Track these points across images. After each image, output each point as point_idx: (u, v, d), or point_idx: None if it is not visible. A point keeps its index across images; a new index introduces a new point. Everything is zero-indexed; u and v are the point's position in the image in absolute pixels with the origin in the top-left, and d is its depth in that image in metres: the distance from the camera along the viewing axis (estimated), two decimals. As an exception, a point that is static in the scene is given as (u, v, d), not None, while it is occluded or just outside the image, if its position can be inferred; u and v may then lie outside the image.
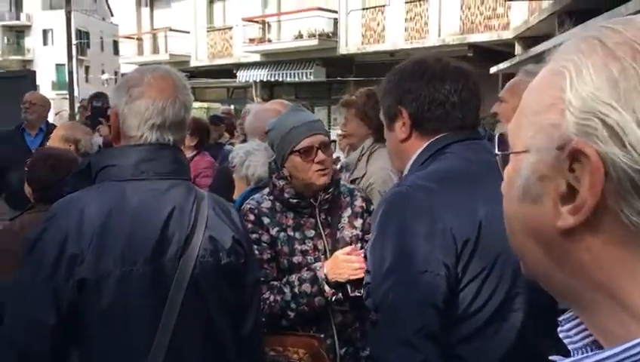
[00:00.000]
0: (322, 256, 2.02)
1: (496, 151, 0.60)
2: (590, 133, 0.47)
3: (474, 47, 15.66)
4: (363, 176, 3.08)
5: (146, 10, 24.83)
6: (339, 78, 18.67)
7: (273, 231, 2.01)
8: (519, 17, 14.01)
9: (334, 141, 2.20)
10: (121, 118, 1.48)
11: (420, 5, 17.22)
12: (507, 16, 15.08)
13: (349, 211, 2.11)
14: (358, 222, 2.11)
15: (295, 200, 2.03)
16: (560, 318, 0.58)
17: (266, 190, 2.11)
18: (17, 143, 4.70)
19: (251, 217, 2.01)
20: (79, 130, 3.50)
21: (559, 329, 0.58)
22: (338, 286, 1.93)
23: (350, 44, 18.71)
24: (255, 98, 19.97)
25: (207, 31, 22.64)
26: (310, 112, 2.18)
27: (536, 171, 0.52)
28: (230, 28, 21.87)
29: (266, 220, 2.02)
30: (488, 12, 15.68)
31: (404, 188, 1.38)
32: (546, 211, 0.52)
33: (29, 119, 4.97)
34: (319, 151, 1.99)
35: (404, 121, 1.47)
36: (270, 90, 21.48)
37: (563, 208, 0.50)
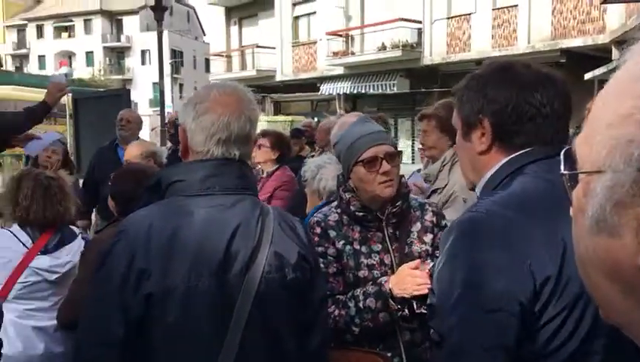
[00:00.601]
0: (389, 271, 1.96)
1: (562, 169, 0.52)
2: None
3: (567, 52, 14.95)
4: (445, 186, 3.04)
5: (235, 29, 25.76)
6: (423, 90, 18.42)
7: (339, 245, 1.98)
8: (616, 20, 13.22)
9: (401, 152, 2.12)
10: (188, 134, 1.50)
11: (509, 12, 16.68)
12: (602, 20, 14.27)
13: (418, 225, 2.05)
14: (428, 237, 2.04)
15: (361, 214, 1.99)
16: None
17: (335, 203, 2.09)
18: (111, 158, 4.96)
19: (318, 230, 1.99)
20: (149, 143, 3.64)
21: None
22: (404, 302, 1.86)
23: (434, 53, 18.42)
24: (338, 110, 20.09)
25: (292, 46, 23.11)
26: (376, 123, 2.12)
27: (612, 197, 0.44)
28: (314, 42, 22.20)
29: (332, 233, 1.99)
30: (582, 16, 14.92)
31: (479, 214, 1.23)
32: (625, 245, 0.43)
33: (123, 135, 5.24)
34: (384, 162, 1.94)
35: (483, 132, 1.32)
36: (353, 102, 21.55)
37: None
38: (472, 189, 1.42)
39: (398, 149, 2.07)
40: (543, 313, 1.14)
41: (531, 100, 1.28)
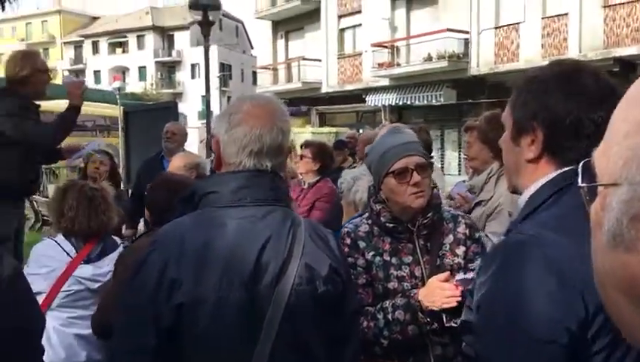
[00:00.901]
0: (419, 283, 1.93)
1: (580, 182, 0.50)
2: None
3: (620, 61, 14.45)
4: (490, 199, 3.01)
5: (281, 42, 26.13)
6: (470, 100, 18.15)
7: (369, 256, 1.97)
8: (674, 26, 12.70)
9: (432, 163, 2.09)
10: (222, 146, 1.52)
11: (559, 20, 16.31)
12: (659, 27, 13.75)
13: (450, 238, 2.01)
14: (461, 250, 2.00)
15: (392, 225, 1.97)
16: None
17: (367, 214, 2.08)
18: (156, 169, 5.09)
19: (348, 241, 1.99)
20: (193, 156, 3.71)
21: None
22: (433, 315, 1.83)
23: (482, 64, 18.16)
24: (384, 122, 20.03)
25: (338, 58, 23.23)
26: (408, 134, 2.10)
27: (628, 211, 0.42)
28: (360, 54, 22.25)
29: (362, 244, 1.98)
30: (636, 23, 14.42)
31: (526, 237, 1.14)
32: None
33: (169, 147, 5.38)
34: (414, 173, 1.93)
35: (533, 139, 1.22)
36: (399, 113, 21.43)
37: None
38: (514, 192, 1.35)
39: (431, 160, 2.05)
40: (593, 343, 1.08)
41: (593, 116, 1.17)
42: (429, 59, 19.09)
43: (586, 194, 0.49)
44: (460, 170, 17.92)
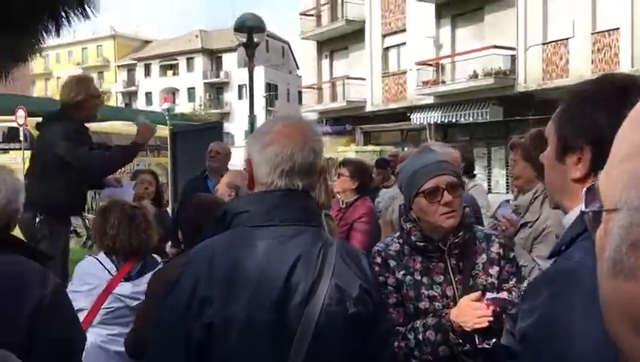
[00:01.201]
0: (451, 304, 1.91)
1: (583, 207, 0.49)
2: None
3: (676, 75, 13.89)
4: (536, 220, 2.93)
5: (326, 62, 26.39)
6: (517, 118, 17.80)
7: (399, 275, 1.96)
8: None
9: (464, 182, 2.06)
10: (254, 166, 1.54)
11: (609, 35, 15.88)
12: None
13: (484, 257, 1.99)
14: (494, 270, 1.97)
15: (422, 244, 1.96)
16: None
17: (397, 233, 2.07)
18: (200, 188, 5.20)
19: (378, 260, 1.99)
20: (241, 176, 3.75)
21: None
22: (465, 335, 1.80)
23: (529, 80, 17.82)
24: (429, 140, 19.86)
25: (382, 76, 23.26)
26: (439, 153, 2.08)
27: (627, 237, 0.41)
28: (404, 72, 22.22)
29: (392, 263, 1.97)
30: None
31: (575, 264, 1.09)
32: None
33: (212, 166, 5.49)
34: (445, 193, 1.91)
35: (580, 157, 1.16)
36: (444, 131, 21.22)
37: None
38: (556, 207, 1.29)
39: (461, 180, 2.03)
40: None
41: None
42: (475, 76, 18.87)
43: (590, 220, 0.47)
44: (507, 189, 17.52)
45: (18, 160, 14.25)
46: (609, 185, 0.44)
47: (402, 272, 1.96)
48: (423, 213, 1.95)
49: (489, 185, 19.10)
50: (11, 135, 16.27)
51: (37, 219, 3.77)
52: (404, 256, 1.99)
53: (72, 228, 4.55)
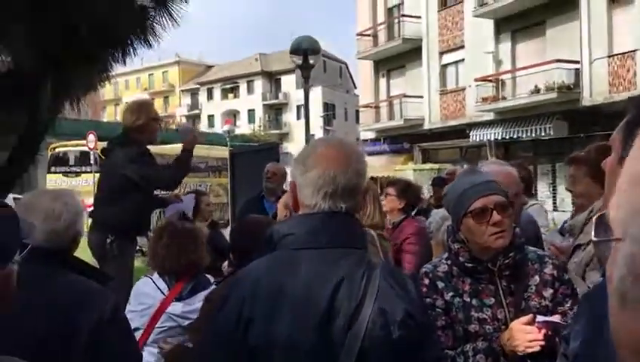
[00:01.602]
0: (502, 327, 1.85)
1: (593, 236, 0.48)
2: None
3: None
4: (590, 243, 2.76)
5: (383, 81, 26.40)
6: (582, 135, 17.15)
7: (448, 296, 1.92)
8: None
9: (513, 202, 2.00)
10: (298, 188, 1.56)
11: (680, 45, 15.12)
12: None
13: (536, 279, 1.92)
14: (548, 292, 1.90)
15: (471, 265, 1.92)
16: None
17: (445, 254, 2.04)
18: (256, 209, 5.29)
19: (426, 281, 1.96)
20: None
21: None
22: (517, 360, 1.75)
23: (595, 94, 17.19)
24: (489, 157, 19.41)
25: (440, 94, 23.02)
26: (487, 173, 2.03)
27: (632, 269, 0.39)
28: (463, 89, 21.91)
29: (440, 284, 1.94)
30: None
31: None
32: None
33: (269, 187, 5.59)
34: (494, 213, 1.87)
35: None
36: (506, 148, 20.70)
37: None
38: None
39: (510, 200, 1.96)
40: None
41: None
42: (537, 91, 18.38)
43: (599, 250, 0.46)
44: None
45: (89, 182, 14.97)
46: (617, 214, 0.43)
47: (451, 294, 1.93)
48: (472, 234, 1.91)
49: (554, 203, 18.43)
50: (83, 159, 17.14)
51: (108, 240, 3.94)
52: (452, 278, 1.95)
53: (137, 247, 4.73)
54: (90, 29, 4.08)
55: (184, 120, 57.96)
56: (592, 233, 0.47)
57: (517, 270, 1.92)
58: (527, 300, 1.90)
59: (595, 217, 0.47)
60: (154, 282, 2.79)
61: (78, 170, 17.53)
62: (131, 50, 5.15)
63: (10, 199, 4.68)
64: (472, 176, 2.01)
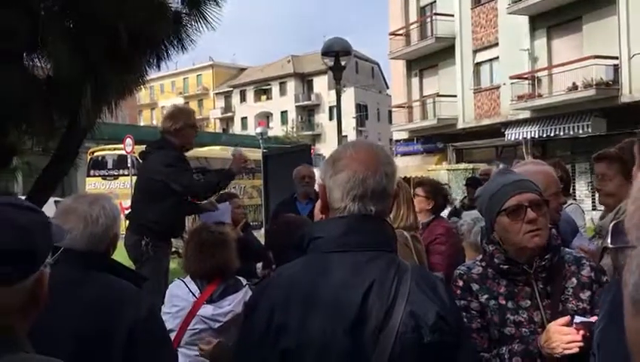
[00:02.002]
0: (539, 329, 1.82)
1: (609, 243, 0.48)
2: None
3: None
4: None
5: (415, 80, 26.22)
6: (622, 130, 16.68)
7: (482, 299, 1.89)
8: None
9: (548, 201, 1.95)
10: (327, 191, 1.57)
11: None
12: None
13: (574, 281, 1.88)
14: (586, 294, 1.86)
15: (506, 267, 1.88)
16: None
17: (480, 256, 2.01)
18: (289, 211, 5.32)
19: (460, 283, 1.93)
20: None
21: None
22: None
23: (635, 90, 16.72)
24: (526, 156, 19.08)
25: (474, 92, 22.73)
26: (520, 174, 2.00)
27: None
28: (497, 87, 21.59)
29: (475, 287, 1.91)
30: None
31: None
32: None
33: (301, 190, 5.62)
34: (529, 210, 1.83)
35: None
36: (542, 146, 20.30)
37: None
38: None
39: (545, 198, 1.91)
40: None
41: None
42: (574, 88, 17.98)
43: (615, 257, 0.46)
44: (614, 206, 16.41)
45: (127, 185, 15.32)
46: (631, 220, 0.42)
47: (486, 296, 1.90)
48: (506, 233, 1.88)
49: (593, 203, 17.98)
50: (120, 162, 17.55)
51: (143, 242, 4.02)
52: (487, 280, 1.92)
53: (173, 248, 4.81)
54: (129, 35, 4.19)
55: (218, 123, 58.71)
56: (609, 240, 0.47)
57: (553, 272, 1.88)
58: (564, 303, 1.86)
59: (611, 225, 0.47)
60: (186, 285, 2.84)
61: (116, 173, 17.95)
62: (166, 54, 5.26)
63: (51, 202, 4.82)
64: (505, 175, 1.98)
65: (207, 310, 2.77)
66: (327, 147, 43.79)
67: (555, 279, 1.88)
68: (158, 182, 4.07)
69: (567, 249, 2.02)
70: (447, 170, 19.71)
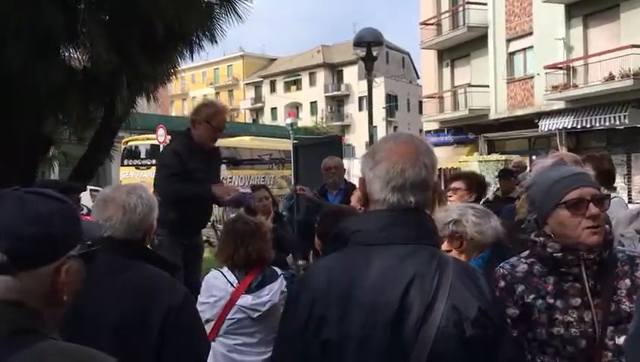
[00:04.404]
0: (589, 331, 1.73)
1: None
2: None
3: None
4: None
5: (447, 70, 25.87)
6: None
7: (528, 299, 1.81)
8: None
9: (609, 195, 1.88)
10: (367, 184, 1.55)
11: None
12: None
13: (627, 282, 1.78)
14: None
15: (560, 254, 1.79)
16: None
17: (525, 253, 1.92)
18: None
19: (501, 284, 1.86)
20: None
21: None
22: None
23: (675, 80, 16.17)
24: (560, 147, 18.69)
25: (507, 82, 22.32)
26: (576, 168, 1.93)
27: None
28: (531, 77, 21.16)
29: (519, 288, 1.83)
30: None
31: None
32: None
33: (330, 181, 5.64)
34: (591, 205, 1.75)
35: None
36: (577, 138, 19.85)
37: None
38: None
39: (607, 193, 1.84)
40: None
41: None
42: (611, 78, 17.49)
43: None
44: (652, 199, 15.99)
45: (158, 175, 15.54)
46: None
47: (532, 296, 1.81)
48: (564, 227, 1.78)
49: (629, 195, 17.53)
50: (153, 152, 17.82)
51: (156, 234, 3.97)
52: (533, 278, 1.84)
53: (204, 238, 4.84)
54: (163, 26, 4.22)
55: (248, 113, 59.01)
56: (636, 244, 0.44)
57: (605, 270, 1.80)
58: (617, 303, 1.77)
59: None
60: (224, 275, 2.87)
61: (149, 163, 18.22)
62: (197, 45, 5.30)
63: (87, 191, 4.91)
64: (562, 168, 1.90)
65: (246, 300, 2.80)
66: (356, 138, 43.70)
67: (606, 277, 1.79)
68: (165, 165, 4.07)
69: (619, 247, 1.93)
70: (479, 161, 19.45)
